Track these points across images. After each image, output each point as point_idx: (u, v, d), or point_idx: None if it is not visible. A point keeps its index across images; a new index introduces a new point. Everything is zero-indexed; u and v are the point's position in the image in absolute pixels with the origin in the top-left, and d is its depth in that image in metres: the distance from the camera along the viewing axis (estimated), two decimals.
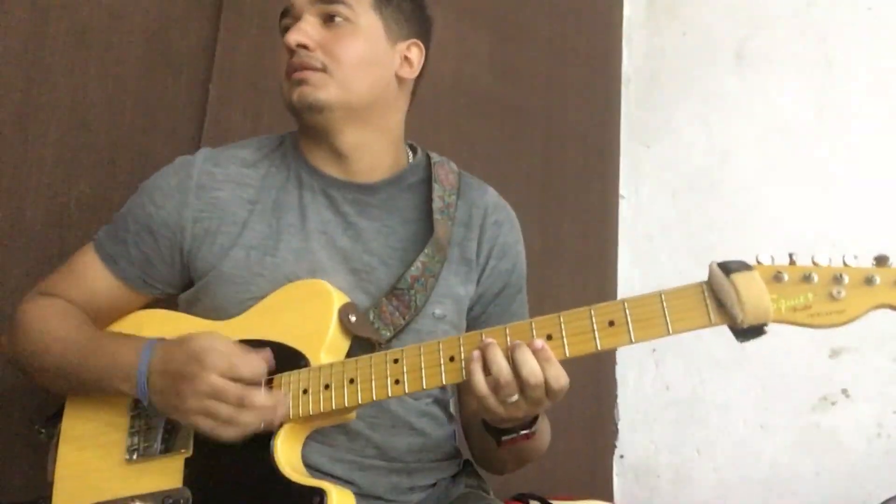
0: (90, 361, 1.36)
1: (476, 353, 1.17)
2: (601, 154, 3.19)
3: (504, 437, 1.28)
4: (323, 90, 1.41)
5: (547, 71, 3.02)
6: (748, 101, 2.96)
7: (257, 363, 1.25)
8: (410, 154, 1.58)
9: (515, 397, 1.15)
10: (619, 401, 3.05)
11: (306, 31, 1.41)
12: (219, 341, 1.25)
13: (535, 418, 1.27)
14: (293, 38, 1.40)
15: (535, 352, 1.14)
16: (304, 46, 1.40)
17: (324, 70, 1.41)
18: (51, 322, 1.43)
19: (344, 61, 1.42)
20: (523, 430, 1.27)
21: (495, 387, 1.15)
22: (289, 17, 1.46)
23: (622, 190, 3.22)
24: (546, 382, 1.14)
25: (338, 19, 1.43)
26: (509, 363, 1.15)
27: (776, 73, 2.92)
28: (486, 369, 1.16)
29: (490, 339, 1.17)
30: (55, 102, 1.84)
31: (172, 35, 2.05)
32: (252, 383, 1.23)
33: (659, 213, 3.11)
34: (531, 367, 1.13)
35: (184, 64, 2.06)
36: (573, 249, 2.98)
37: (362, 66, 1.44)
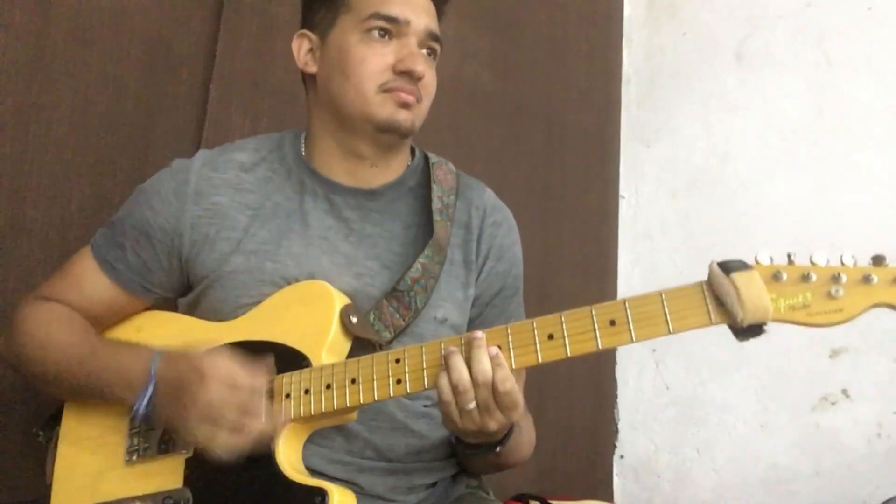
0: (91, 370, 1.37)
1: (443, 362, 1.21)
2: (601, 154, 3.19)
3: (468, 451, 1.34)
4: (418, 119, 1.47)
5: (547, 71, 3.02)
6: (748, 101, 2.96)
7: (257, 374, 1.25)
8: (409, 156, 1.58)
9: (472, 405, 1.18)
10: (619, 401, 3.05)
11: (426, 65, 1.46)
12: (220, 355, 1.25)
13: (505, 437, 1.30)
14: (423, 70, 1.43)
15: (490, 357, 1.17)
16: (421, 79, 1.44)
17: (419, 101, 1.45)
18: (51, 329, 1.43)
19: (431, 95, 1.49)
20: (490, 449, 1.30)
21: (455, 393, 1.18)
22: (392, 25, 1.44)
23: (622, 190, 3.22)
24: (494, 384, 1.17)
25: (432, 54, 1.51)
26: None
27: (776, 73, 2.92)
28: (449, 377, 1.19)
29: (453, 348, 1.20)
30: (55, 102, 1.84)
31: (172, 35, 2.05)
32: (254, 392, 1.23)
33: (659, 213, 3.11)
34: (483, 366, 1.17)
35: (184, 64, 2.07)
36: (573, 249, 2.98)
37: None
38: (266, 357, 1.29)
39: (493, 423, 1.21)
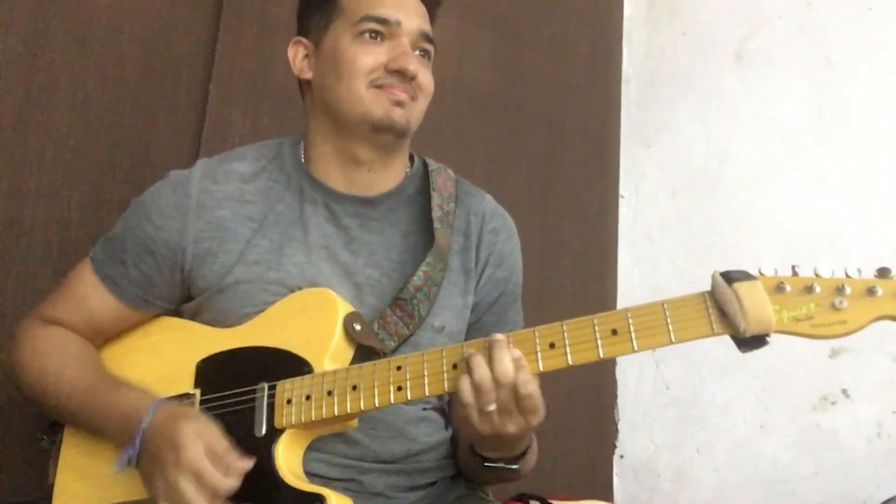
0: (86, 411, 1.38)
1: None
2: (601, 154, 3.18)
3: (487, 464, 1.32)
4: (414, 117, 1.46)
5: (547, 71, 3.01)
6: (748, 101, 2.95)
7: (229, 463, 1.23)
8: (407, 162, 1.58)
9: (493, 406, 1.17)
10: (619, 401, 3.05)
11: (419, 64, 1.45)
12: (196, 439, 1.22)
13: (521, 455, 1.30)
14: (416, 69, 1.43)
15: (513, 359, 1.16)
16: (414, 77, 1.44)
17: (414, 99, 1.45)
18: (51, 360, 1.44)
19: (427, 94, 1.49)
20: (508, 464, 1.31)
21: (476, 393, 1.17)
22: (384, 26, 1.44)
23: (622, 190, 3.21)
24: (515, 386, 1.16)
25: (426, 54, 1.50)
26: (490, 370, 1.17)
27: (776, 73, 2.91)
28: (471, 376, 1.18)
29: (473, 350, 1.19)
30: (55, 102, 1.84)
31: (172, 35, 2.05)
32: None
33: (659, 213, 3.11)
34: (504, 367, 1.16)
35: (184, 64, 2.06)
36: (573, 249, 2.97)
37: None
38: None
39: (512, 427, 1.20)
